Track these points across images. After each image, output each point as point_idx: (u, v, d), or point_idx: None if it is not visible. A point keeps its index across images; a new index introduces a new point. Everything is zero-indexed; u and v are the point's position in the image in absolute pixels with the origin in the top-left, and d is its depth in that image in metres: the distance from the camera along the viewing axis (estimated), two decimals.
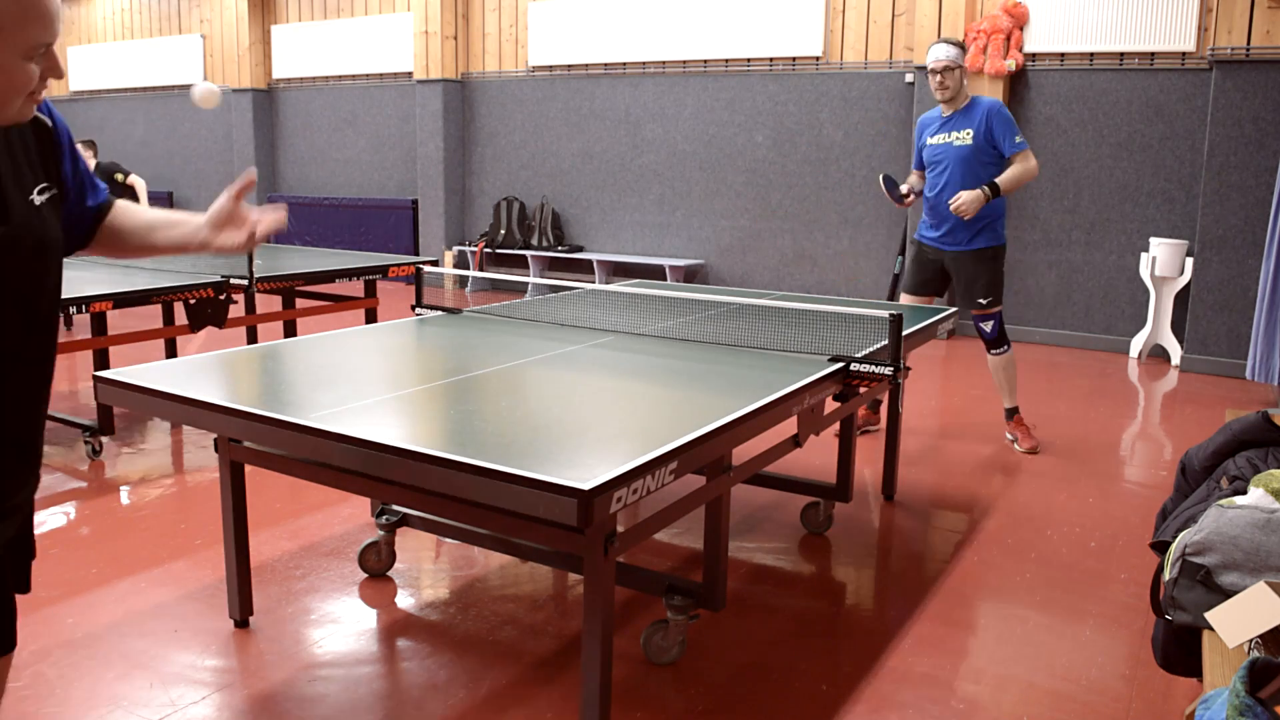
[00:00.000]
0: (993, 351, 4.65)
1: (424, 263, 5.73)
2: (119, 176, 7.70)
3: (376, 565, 3.13)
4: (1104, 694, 2.50)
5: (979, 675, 2.58)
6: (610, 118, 9.27)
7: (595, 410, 2.29)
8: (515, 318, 3.51)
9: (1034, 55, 7.28)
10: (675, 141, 8.93)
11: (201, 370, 2.59)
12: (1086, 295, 7.34)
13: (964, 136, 4.39)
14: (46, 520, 3.57)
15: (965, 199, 4.28)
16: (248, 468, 2.67)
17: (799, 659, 2.65)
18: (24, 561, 1.58)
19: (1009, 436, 4.77)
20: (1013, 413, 4.75)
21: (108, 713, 2.32)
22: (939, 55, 4.37)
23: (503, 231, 9.80)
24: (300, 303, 5.93)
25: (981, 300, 4.49)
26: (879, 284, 8.03)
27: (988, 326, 4.55)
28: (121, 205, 1.69)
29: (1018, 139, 4.36)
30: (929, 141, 4.54)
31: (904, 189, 4.68)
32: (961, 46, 4.43)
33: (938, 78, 4.37)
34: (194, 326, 4.58)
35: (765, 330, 3.31)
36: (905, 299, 4.73)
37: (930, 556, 3.39)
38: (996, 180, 4.33)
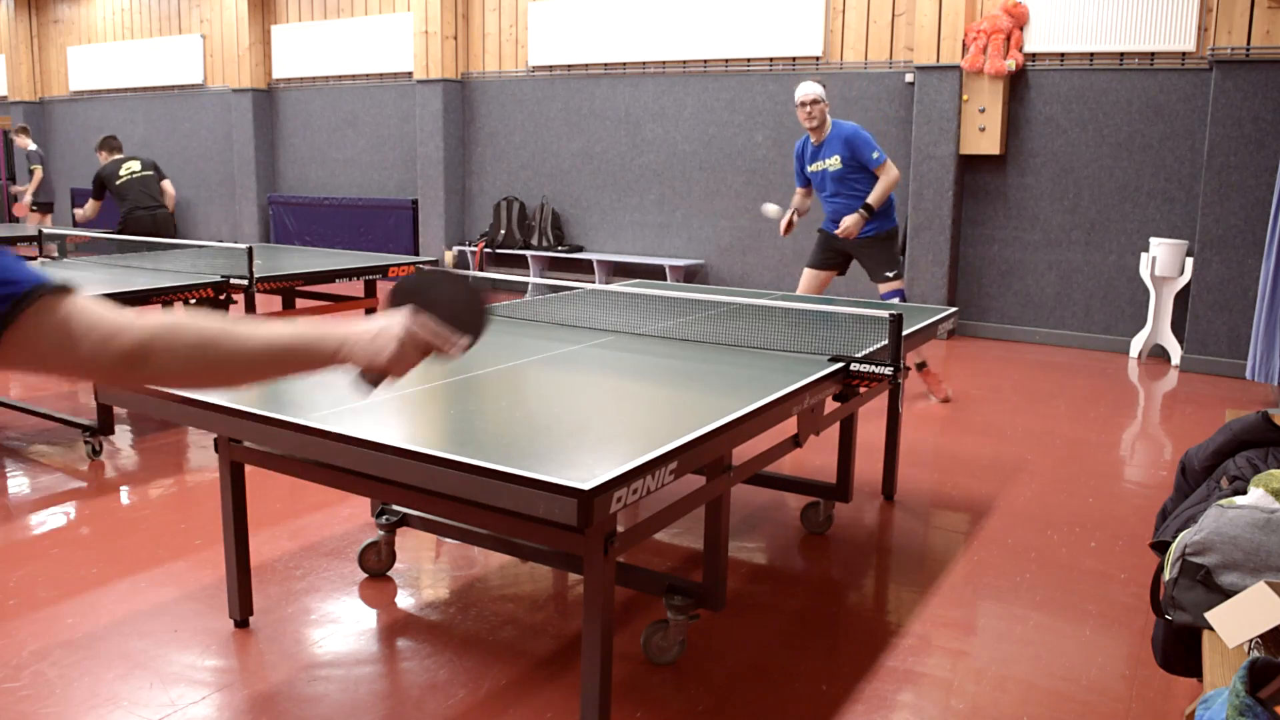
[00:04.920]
0: None
1: (424, 263, 5.73)
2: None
3: (376, 565, 3.13)
4: (1104, 694, 2.50)
5: (979, 675, 2.58)
6: (610, 118, 9.27)
7: (595, 410, 2.29)
8: (515, 318, 3.51)
9: (1034, 55, 7.28)
10: (675, 141, 8.93)
11: None
12: (1086, 295, 7.34)
13: (833, 162, 5.18)
14: (46, 520, 3.57)
15: (847, 224, 5.16)
16: (248, 468, 2.67)
17: (799, 659, 2.65)
18: None
19: (927, 391, 5.61)
20: (922, 366, 5.48)
21: (108, 713, 2.32)
22: (804, 91, 5.10)
23: (503, 231, 9.80)
24: (300, 303, 5.93)
25: (888, 274, 5.25)
26: None
27: (895, 300, 5.18)
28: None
29: (875, 155, 5.11)
30: (810, 169, 5.31)
31: (783, 222, 5.40)
32: (823, 83, 5.17)
33: (806, 109, 5.08)
34: None
35: (765, 330, 3.31)
36: (808, 273, 5.48)
37: (930, 556, 3.39)
38: (869, 201, 5.15)
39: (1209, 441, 2.52)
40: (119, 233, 7.27)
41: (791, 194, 8.49)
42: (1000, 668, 2.62)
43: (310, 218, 11.25)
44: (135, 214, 7.32)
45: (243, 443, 2.56)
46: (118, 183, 7.27)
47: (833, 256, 5.47)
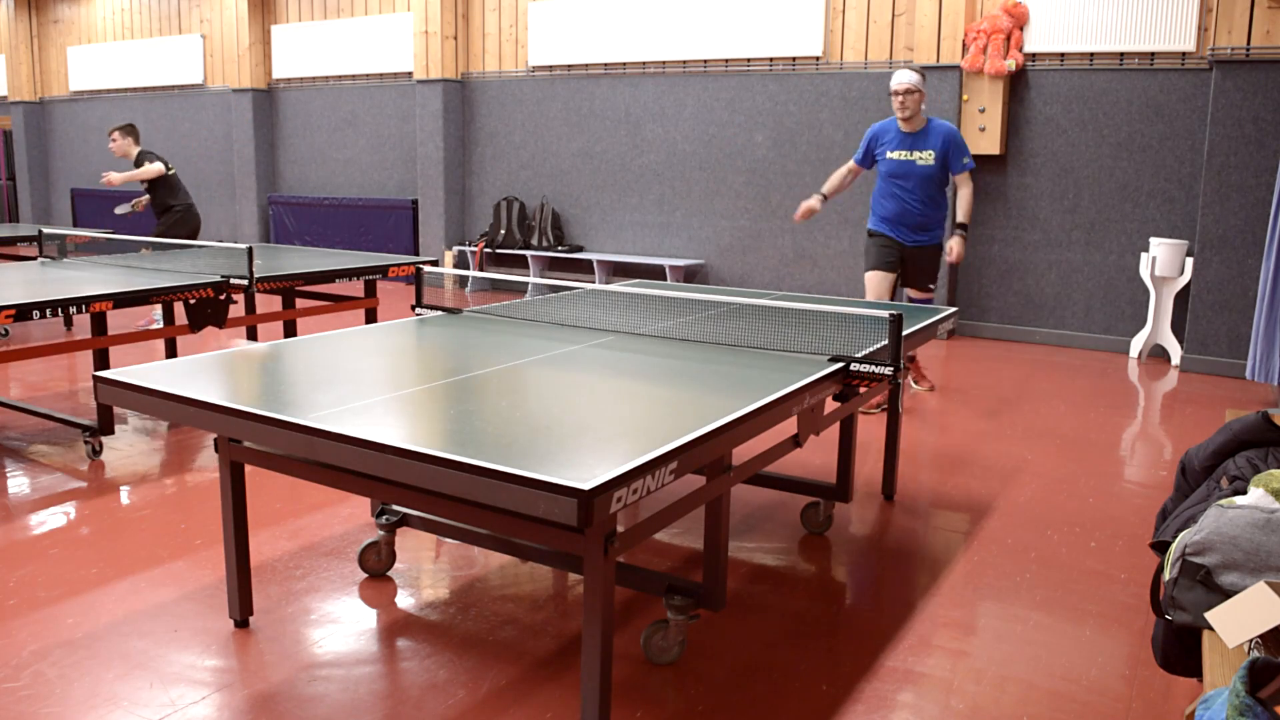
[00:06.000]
0: None
1: (424, 263, 5.73)
2: (146, 163, 7.20)
3: (376, 565, 3.13)
4: (1104, 694, 2.50)
5: (979, 675, 2.58)
6: (610, 118, 9.27)
7: (595, 410, 2.29)
8: (515, 318, 3.51)
9: (1034, 55, 7.28)
10: (675, 141, 8.93)
11: (201, 370, 2.59)
12: (1086, 295, 7.34)
13: (926, 157, 5.03)
14: (46, 520, 3.57)
15: (958, 252, 5.17)
16: (248, 468, 2.67)
17: (799, 659, 2.65)
18: None
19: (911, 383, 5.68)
20: (911, 358, 5.54)
21: (108, 713, 2.32)
22: (904, 79, 4.94)
23: (503, 231, 9.80)
24: (300, 303, 5.94)
25: (931, 285, 5.38)
26: None
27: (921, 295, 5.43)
28: None
29: (966, 160, 5.07)
30: (889, 155, 5.15)
31: (807, 203, 5.31)
32: (922, 74, 5.02)
33: (899, 99, 4.95)
34: (194, 326, 4.59)
35: (765, 330, 3.31)
36: (879, 276, 5.29)
37: (930, 556, 3.40)
38: (964, 221, 5.15)
39: (1209, 441, 2.52)
40: (180, 223, 7.33)
41: (791, 192, 8.54)
42: (1000, 668, 2.62)
43: (310, 218, 11.26)
44: (193, 211, 7.47)
45: (243, 443, 2.57)
46: (171, 172, 7.33)
47: (897, 260, 5.36)
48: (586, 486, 1.72)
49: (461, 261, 10.12)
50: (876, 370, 2.79)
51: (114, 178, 7.15)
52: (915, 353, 5.83)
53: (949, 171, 5.13)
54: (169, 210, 7.35)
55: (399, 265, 5.38)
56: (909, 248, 5.28)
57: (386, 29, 10.54)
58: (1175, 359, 6.82)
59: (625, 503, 1.82)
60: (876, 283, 5.28)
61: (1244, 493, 2.06)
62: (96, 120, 13.45)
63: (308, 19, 11.29)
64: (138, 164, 7.25)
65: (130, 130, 7.35)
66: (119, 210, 7.35)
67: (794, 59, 8.27)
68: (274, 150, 11.84)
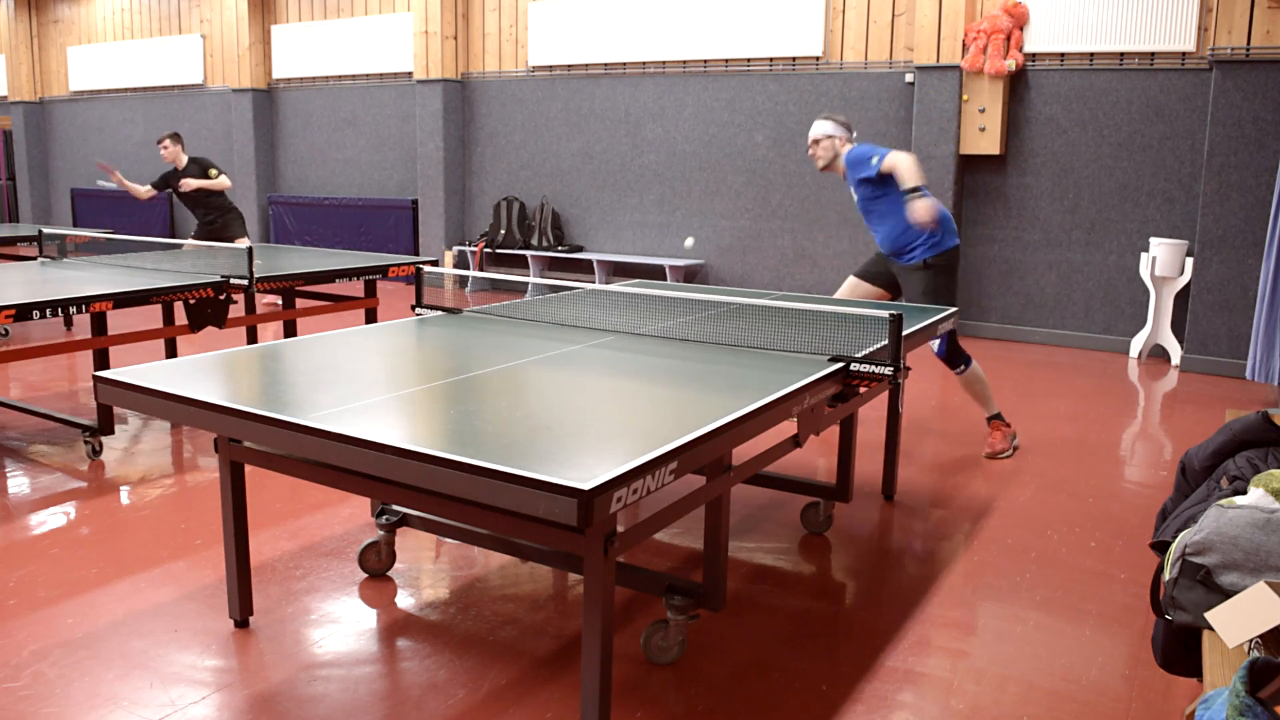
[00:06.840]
0: (954, 372, 4.54)
1: (424, 263, 5.73)
2: (213, 172, 7.41)
3: (376, 565, 3.13)
4: (1104, 694, 2.50)
5: (979, 675, 2.58)
6: (610, 118, 9.27)
7: (595, 410, 2.29)
8: (515, 318, 3.51)
9: (1034, 55, 7.28)
10: (675, 141, 8.93)
11: (201, 370, 2.59)
12: (1086, 295, 7.34)
13: (854, 191, 4.60)
14: (46, 520, 3.57)
15: (918, 209, 4.23)
16: (248, 468, 2.67)
17: (799, 659, 2.65)
18: None
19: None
20: (992, 419, 4.67)
21: (108, 713, 2.32)
22: (811, 131, 4.65)
23: (503, 231, 9.80)
24: (300, 303, 5.94)
25: (924, 307, 4.34)
26: None
27: (934, 345, 4.44)
28: None
29: (873, 160, 4.38)
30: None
31: None
32: (839, 122, 4.58)
33: (810, 151, 4.64)
34: (194, 326, 4.59)
35: (765, 330, 3.31)
36: (850, 280, 4.72)
37: (930, 556, 3.40)
38: (908, 184, 4.27)
39: (1209, 441, 2.52)
40: (240, 223, 7.65)
41: (791, 192, 8.54)
42: (1000, 668, 2.62)
43: (310, 218, 11.26)
44: (238, 210, 7.74)
45: (243, 443, 2.57)
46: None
47: (884, 274, 4.68)
48: (586, 486, 1.72)
49: (461, 261, 10.12)
50: (876, 370, 2.79)
51: (189, 184, 7.35)
52: (1000, 412, 4.78)
53: (879, 183, 4.46)
54: (229, 211, 7.61)
55: (399, 265, 5.38)
56: (896, 267, 4.61)
57: (386, 29, 10.54)
58: (1175, 359, 6.82)
59: (625, 503, 1.82)
60: (848, 285, 4.75)
61: (1244, 493, 2.06)
62: (96, 120, 13.45)
63: (308, 19, 11.29)
64: (191, 169, 7.46)
65: (178, 138, 7.56)
66: (105, 185, 7.71)
67: (794, 59, 8.27)
68: (274, 150, 11.84)
